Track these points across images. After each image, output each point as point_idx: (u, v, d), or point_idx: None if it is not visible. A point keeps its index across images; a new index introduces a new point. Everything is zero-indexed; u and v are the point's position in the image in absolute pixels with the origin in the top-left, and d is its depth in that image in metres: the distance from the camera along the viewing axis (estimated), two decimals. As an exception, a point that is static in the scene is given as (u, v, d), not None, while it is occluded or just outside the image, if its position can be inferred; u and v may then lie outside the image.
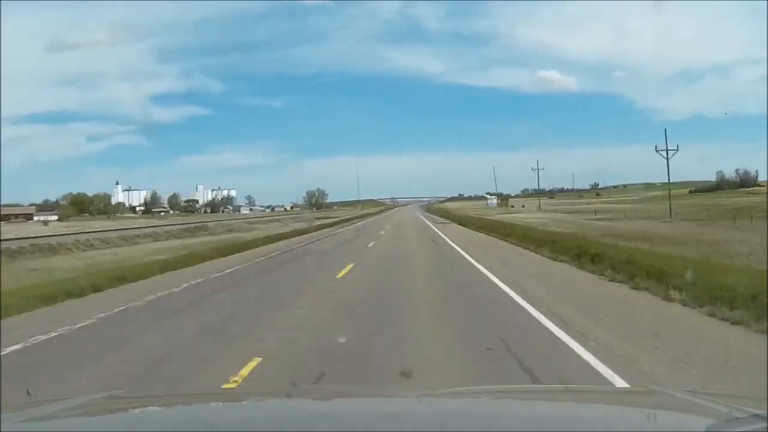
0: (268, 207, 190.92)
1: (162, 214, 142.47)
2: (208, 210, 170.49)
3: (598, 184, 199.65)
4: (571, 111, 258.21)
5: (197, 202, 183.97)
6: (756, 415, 1.44)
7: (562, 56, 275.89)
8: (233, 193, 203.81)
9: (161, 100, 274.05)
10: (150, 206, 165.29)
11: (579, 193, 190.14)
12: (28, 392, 3.95)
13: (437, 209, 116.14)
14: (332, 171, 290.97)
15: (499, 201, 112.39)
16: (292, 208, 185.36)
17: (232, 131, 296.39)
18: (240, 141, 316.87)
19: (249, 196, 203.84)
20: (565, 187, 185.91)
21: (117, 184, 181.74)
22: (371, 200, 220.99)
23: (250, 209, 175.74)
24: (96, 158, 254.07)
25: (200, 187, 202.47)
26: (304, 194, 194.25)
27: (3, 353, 6.51)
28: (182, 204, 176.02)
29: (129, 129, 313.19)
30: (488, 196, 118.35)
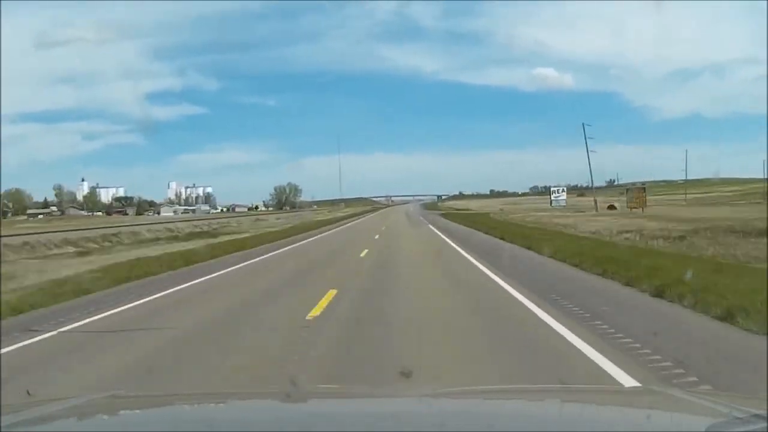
0: (229, 207, 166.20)
1: (40, 216, 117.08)
2: (130, 212, 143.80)
3: (614, 181, 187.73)
4: (568, 110, 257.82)
5: (131, 199, 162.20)
6: (756, 415, 1.44)
7: (559, 55, 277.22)
8: (210, 190, 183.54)
9: (157, 99, 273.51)
10: (59, 206, 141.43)
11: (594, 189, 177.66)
12: (28, 392, 3.94)
13: (458, 214, 70.82)
14: (329, 169, 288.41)
15: (631, 197, 53.66)
16: (256, 208, 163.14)
17: (229, 130, 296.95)
18: (236, 139, 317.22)
19: (209, 194, 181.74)
20: (579, 184, 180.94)
21: (83, 180, 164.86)
22: (361, 198, 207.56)
23: (182, 211, 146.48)
24: (93, 157, 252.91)
25: (173, 185, 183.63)
26: (272, 191, 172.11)
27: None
28: (110, 204, 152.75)
29: (125, 128, 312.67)
30: (555, 190, 71.97)
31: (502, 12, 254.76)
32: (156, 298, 10.49)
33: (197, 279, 13.32)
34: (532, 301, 8.46)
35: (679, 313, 7.39)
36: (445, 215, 64.06)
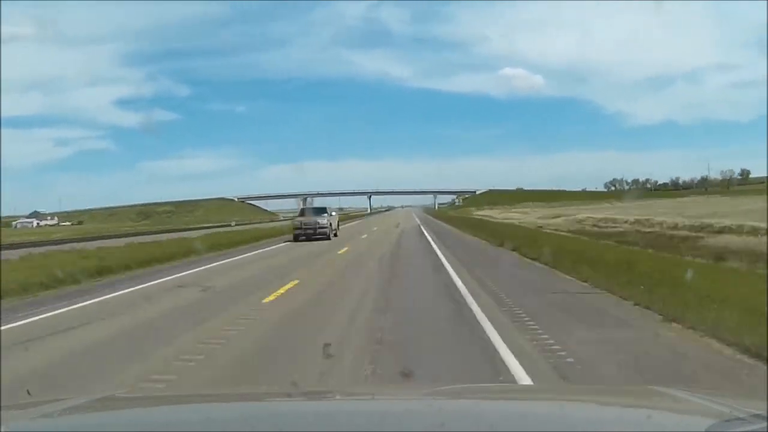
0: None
1: None
2: None
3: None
4: (539, 116, 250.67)
5: None
6: (756, 415, 1.44)
7: (530, 61, 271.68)
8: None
9: (126, 105, 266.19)
10: None
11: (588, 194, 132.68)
12: (28, 392, 3.94)
13: None
14: (298, 175, 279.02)
15: None
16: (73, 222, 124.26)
17: (199, 136, 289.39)
18: (206, 146, 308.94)
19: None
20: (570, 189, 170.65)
21: None
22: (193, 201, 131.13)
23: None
24: (64, 163, 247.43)
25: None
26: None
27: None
28: None
29: (98, 134, 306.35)
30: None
31: (473, 18, 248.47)
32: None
33: None
34: None
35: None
36: None
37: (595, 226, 36.84)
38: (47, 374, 5.71)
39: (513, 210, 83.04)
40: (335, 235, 29.44)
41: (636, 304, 8.27)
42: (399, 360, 5.75)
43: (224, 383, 5.29)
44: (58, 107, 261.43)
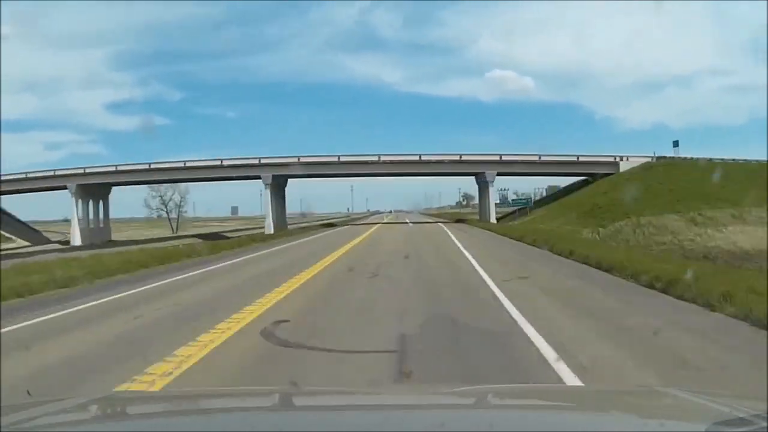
0: None
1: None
2: None
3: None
4: (530, 121, 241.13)
5: None
6: (756, 415, 1.44)
7: (520, 65, 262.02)
8: None
9: (118, 108, 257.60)
10: None
11: None
12: (28, 392, 3.94)
13: None
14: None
15: None
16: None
17: (191, 140, 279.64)
18: (198, 150, 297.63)
19: None
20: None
21: None
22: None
23: None
24: (56, 167, 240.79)
25: None
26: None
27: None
28: None
29: (89, 138, 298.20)
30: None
31: (464, 23, 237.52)
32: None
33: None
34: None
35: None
36: None
37: None
38: None
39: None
40: None
41: None
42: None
43: None
44: (49, 110, 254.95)
